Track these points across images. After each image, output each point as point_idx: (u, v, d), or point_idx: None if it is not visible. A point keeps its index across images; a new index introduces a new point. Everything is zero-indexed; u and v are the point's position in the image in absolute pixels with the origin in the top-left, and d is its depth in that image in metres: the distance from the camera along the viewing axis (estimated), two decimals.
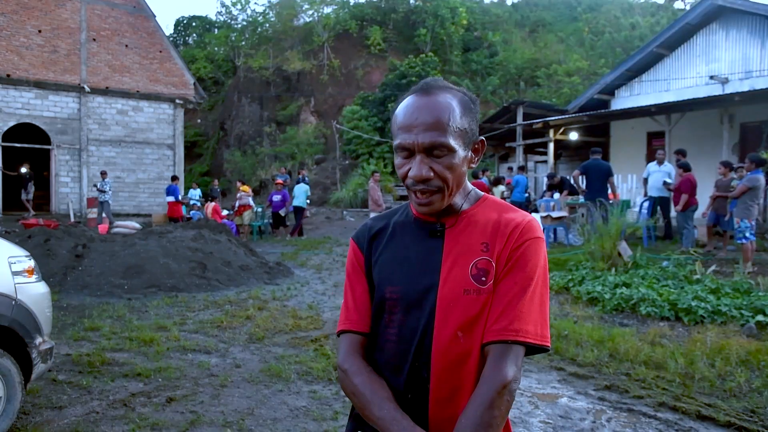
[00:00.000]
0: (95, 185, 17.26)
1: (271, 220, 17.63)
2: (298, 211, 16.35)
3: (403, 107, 1.30)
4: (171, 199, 17.48)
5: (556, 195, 13.31)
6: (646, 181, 11.66)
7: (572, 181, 12.33)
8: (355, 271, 1.43)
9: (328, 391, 4.47)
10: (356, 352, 1.35)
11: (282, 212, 16.49)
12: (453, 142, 1.25)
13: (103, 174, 17.56)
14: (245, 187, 17.78)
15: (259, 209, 17.96)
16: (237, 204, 16.84)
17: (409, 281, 1.32)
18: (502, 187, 15.69)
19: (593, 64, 28.36)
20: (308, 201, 16.93)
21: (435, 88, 1.30)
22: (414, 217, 1.40)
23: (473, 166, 1.35)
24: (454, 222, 1.34)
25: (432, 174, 1.25)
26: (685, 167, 10.23)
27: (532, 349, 1.25)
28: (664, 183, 11.00)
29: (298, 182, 20.65)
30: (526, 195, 15.08)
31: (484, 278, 1.27)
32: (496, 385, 1.19)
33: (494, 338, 1.23)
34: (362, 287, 1.40)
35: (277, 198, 16.19)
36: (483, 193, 1.41)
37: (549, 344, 1.27)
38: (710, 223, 9.61)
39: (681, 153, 10.97)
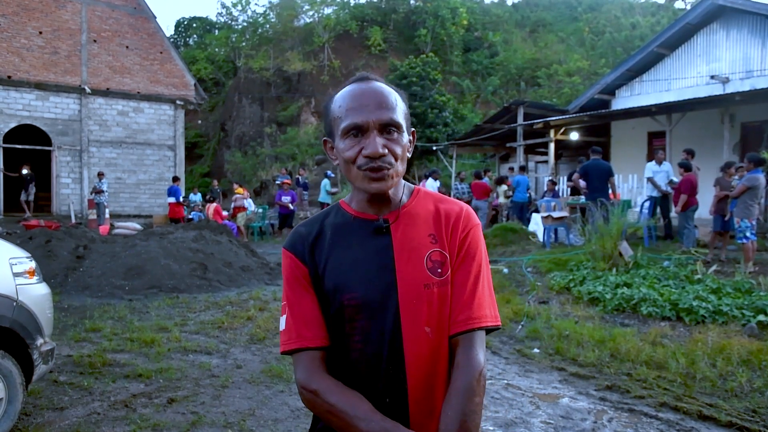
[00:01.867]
0: (95, 188, 17.24)
1: (272, 221, 17.65)
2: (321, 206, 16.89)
3: (347, 94, 1.30)
4: (172, 200, 17.48)
5: (582, 198, 12.70)
6: (650, 180, 11.62)
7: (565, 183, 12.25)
8: (299, 283, 1.33)
9: None
10: (319, 369, 1.27)
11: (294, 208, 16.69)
12: (402, 121, 1.28)
13: (101, 175, 17.56)
14: (240, 189, 17.81)
15: (260, 210, 17.97)
16: (232, 206, 16.86)
17: (366, 285, 1.28)
18: (504, 187, 15.70)
19: (594, 64, 28.34)
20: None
21: (372, 78, 1.34)
22: (353, 217, 1.35)
23: (408, 153, 1.33)
24: (396, 217, 1.33)
25: (386, 151, 1.25)
26: (685, 167, 10.22)
27: (488, 330, 1.31)
28: (670, 182, 10.98)
29: (298, 183, 20.73)
30: (527, 195, 15.07)
31: (440, 270, 1.29)
32: (473, 373, 1.23)
33: (461, 329, 1.27)
34: (310, 299, 1.32)
35: (286, 199, 16.15)
36: (413, 185, 1.42)
37: (500, 323, 1.34)
38: (716, 229, 9.39)
39: (688, 153, 10.93)
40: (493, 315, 1.31)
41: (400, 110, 1.29)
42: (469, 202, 14.52)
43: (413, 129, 1.39)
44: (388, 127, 1.26)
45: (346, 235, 1.34)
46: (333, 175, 18.30)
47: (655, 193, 11.39)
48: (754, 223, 8.49)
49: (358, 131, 1.26)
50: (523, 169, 16.14)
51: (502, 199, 15.85)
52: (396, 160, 1.27)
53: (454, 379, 1.24)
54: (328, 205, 16.65)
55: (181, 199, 18.02)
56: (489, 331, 1.32)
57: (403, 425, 1.20)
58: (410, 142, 1.35)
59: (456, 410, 1.20)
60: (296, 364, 1.29)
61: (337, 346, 1.31)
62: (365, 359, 1.27)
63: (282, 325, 1.33)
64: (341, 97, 1.31)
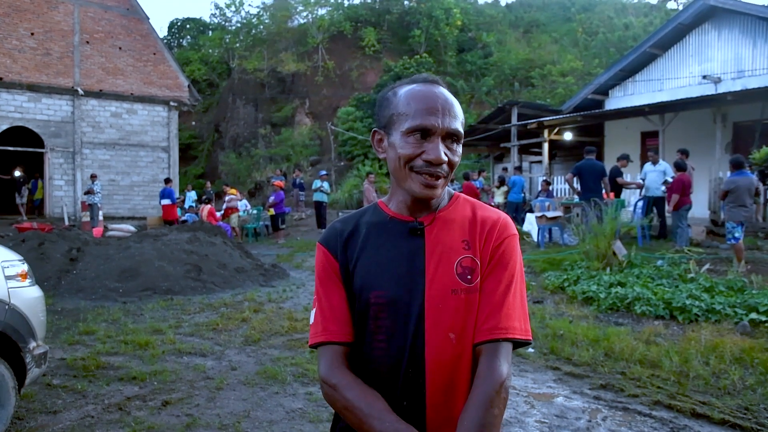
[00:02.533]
0: (90, 189, 17.16)
1: (266, 222, 17.65)
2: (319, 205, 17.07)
3: (417, 92, 1.29)
4: (166, 201, 17.42)
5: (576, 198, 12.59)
6: (644, 181, 11.70)
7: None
8: (329, 278, 1.35)
9: None
10: (341, 364, 1.28)
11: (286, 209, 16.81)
12: (462, 133, 1.29)
13: (94, 177, 17.49)
14: (233, 190, 17.79)
15: (255, 211, 17.95)
16: (224, 207, 16.85)
17: (394, 284, 1.28)
18: (504, 188, 15.76)
19: (587, 65, 28.42)
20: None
21: (439, 82, 1.33)
22: (389, 217, 1.36)
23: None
24: (431, 220, 1.33)
25: (446, 158, 1.27)
26: (678, 167, 10.28)
27: (516, 344, 1.28)
28: (665, 182, 11.04)
29: (294, 183, 20.74)
30: (522, 195, 15.12)
31: (469, 276, 1.28)
32: (494, 384, 1.20)
33: (486, 338, 1.25)
34: (339, 295, 1.33)
35: (271, 199, 16.19)
36: (453, 191, 1.43)
37: (531, 338, 1.30)
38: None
39: (683, 153, 11.00)
40: (523, 328, 1.27)
41: (461, 121, 1.30)
42: None
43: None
44: (452, 136, 1.28)
45: (381, 234, 1.34)
46: (325, 173, 18.32)
47: (649, 193, 11.45)
48: (740, 224, 8.54)
49: (424, 133, 1.26)
50: (519, 169, 16.20)
51: (501, 200, 15.92)
52: (452, 169, 1.29)
53: (474, 389, 1.22)
54: (324, 204, 16.76)
55: (176, 200, 17.98)
56: (518, 345, 1.29)
57: (418, 430, 1.19)
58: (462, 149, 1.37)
59: (473, 421, 1.17)
60: (320, 358, 1.31)
61: (361, 343, 1.31)
62: (387, 359, 1.27)
63: (311, 319, 1.35)
64: (409, 95, 1.29)
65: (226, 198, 17.08)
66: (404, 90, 1.31)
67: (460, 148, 1.30)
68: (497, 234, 1.32)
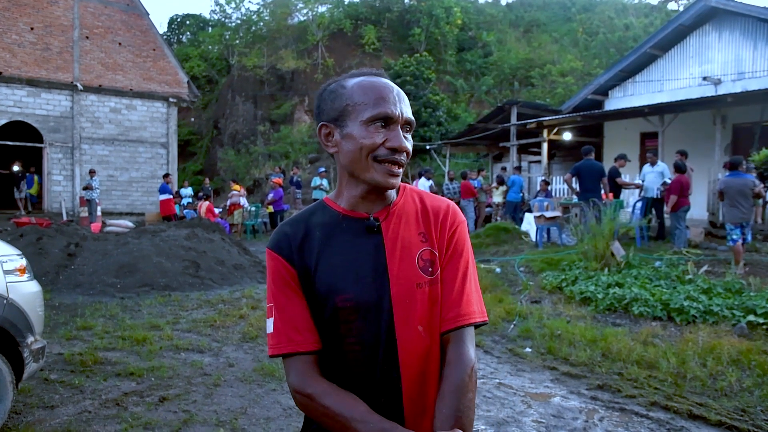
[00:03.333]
0: (88, 185, 17.14)
1: (264, 219, 17.64)
2: None
3: (370, 82, 1.29)
4: (166, 196, 17.41)
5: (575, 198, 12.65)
6: (643, 182, 11.71)
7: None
8: (287, 286, 1.29)
9: None
10: (313, 373, 1.25)
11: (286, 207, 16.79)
12: (414, 124, 1.32)
13: (92, 172, 17.46)
14: (237, 186, 17.77)
15: (254, 208, 17.95)
16: (228, 203, 16.82)
17: (360, 286, 1.26)
18: (503, 188, 15.76)
19: (587, 65, 28.43)
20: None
21: (385, 75, 1.34)
22: (341, 215, 1.33)
23: None
24: (386, 215, 1.32)
25: (408, 147, 1.28)
26: (678, 168, 10.29)
27: (476, 326, 1.33)
28: (664, 183, 11.05)
29: (291, 181, 20.72)
30: (521, 195, 15.12)
31: (431, 269, 1.30)
32: (465, 369, 1.24)
33: (452, 326, 1.29)
34: (299, 302, 1.29)
35: (269, 196, 16.20)
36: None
37: (487, 318, 1.36)
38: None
39: (682, 154, 11.01)
40: (481, 311, 1.33)
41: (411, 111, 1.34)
42: (458, 202, 14.59)
43: None
44: (408, 125, 1.29)
45: (336, 234, 1.31)
46: (324, 170, 18.32)
47: (648, 194, 11.46)
48: (737, 225, 8.54)
49: (385, 122, 1.25)
50: (518, 169, 16.20)
51: (500, 199, 15.92)
52: (409, 156, 1.30)
53: (446, 376, 1.24)
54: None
55: (173, 193, 17.98)
56: (477, 326, 1.33)
57: (397, 422, 1.20)
58: None
59: (450, 407, 1.20)
60: (288, 369, 1.27)
61: (330, 347, 1.29)
62: (360, 360, 1.27)
63: (269, 328, 1.30)
64: (364, 84, 1.28)
65: (229, 194, 17.04)
66: (355, 81, 1.30)
67: (411, 135, 1.33)
68: (450, 222, 1.35)
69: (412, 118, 1.30)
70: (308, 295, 1.29)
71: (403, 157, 1.27)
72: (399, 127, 1.26)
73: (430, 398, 1.27)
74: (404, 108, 1.28)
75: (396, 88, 1.30)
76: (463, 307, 1.29)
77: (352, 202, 1.33)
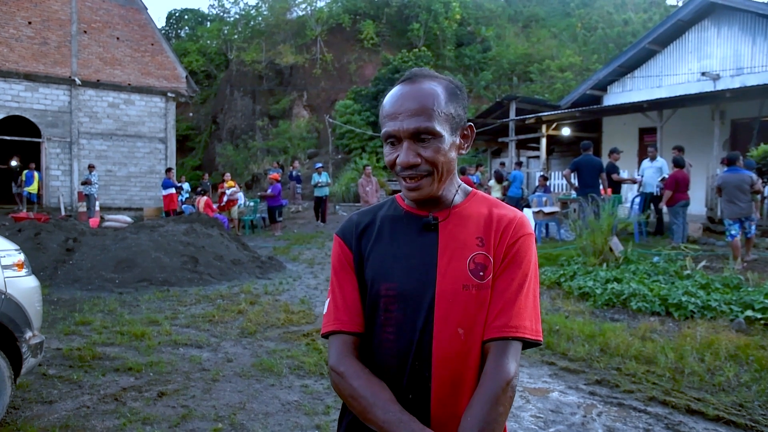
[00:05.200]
0: (88, 180, 17.10)
1: (263, 215, 17.63)
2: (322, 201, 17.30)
3: (390, 97, 1.30)
4: (171, 191, 17.40)
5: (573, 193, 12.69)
6: (642, 178, 11.71)
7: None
8: (343, 269, 1.36)
9: (320, 385, 4.47)
10: (350, 354, 1.29)
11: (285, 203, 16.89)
12: (438, 127, 1.24)
13: (91, 167, 17.43)
14: (231, 182, 17.75)
15: (252, 203, 17.93)
16: (225, 199, 16.81)
17: (405, 277, 1.28)
18: (504, 183, 15.76)
19: (586, 60, 28.38)
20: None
21: (420, 76, 1.30)
22: (404, 211, 1.36)
23: (463, 152, 1.34)
24: (446, 216, 1.32)
25: (419, 160, 1.25)
26: (676, 163, 10.30)
27: (526, 344, 1.27)
28: (662, 179, 11.06)
29: (291, 176, 20.70)
30: (521, 190, 15.13)
31: (482, 273, 1.27)
32: (500, 382, 1.19)
33: (495, 335, 1.24)
34: (351, 285, 1.34)
35: (269, 191, 16.21)
36: (471, 188, 1.42)
37: (542, 339, 1.29)
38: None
39: (679, 149, 11.01)
40: (534, 329, 1.26)
41: (438, 113, 1.25)
42: None
43: (470, 124, 1.36)
44: (420, 135, 1.25)
45: (396, 227, 1.35)
46: (320, 165, 18.31)
47: (647, 190, 11.47)
48: (736, 221, 8.55)
49: (394, 139, 1.27)
50: (519, 164, 16.19)
51: (499, 195, 15.91)
52: (434, 165, 1.26)
53: (480, 386, 1.21)
54: (324, 198, 16.93)
55: (177, 186, 18.00)
56: (528, 345, 1.27)
57: (423, 423, 1.18)
58: (465, 137, 1.34)
59: (476, 417, 1.16)
60: (330, 347, 1.32)
61: (370, 334, 1.32)
62: (395, 351, 1.27)
63: (325, 309, 1.37)
64: (387, 100, 1.31)
65: (228, 191, 17.01)
66: (387, 95, 1.32)
67: (443, 141, 1.25)
68: (512, 232, 1.30)
69: (423, 127, 1.23)
70: (360, 280, 1.35)
71: (416, 171, 1.25)
72: (405, 143, 1.25)
73: (461, 405, 1.23)
74: (408, 121, 1.23)
75: (408, 97, 1.26)
76: (513, 318, 1.24)
77: (413, 203, 1.37)
